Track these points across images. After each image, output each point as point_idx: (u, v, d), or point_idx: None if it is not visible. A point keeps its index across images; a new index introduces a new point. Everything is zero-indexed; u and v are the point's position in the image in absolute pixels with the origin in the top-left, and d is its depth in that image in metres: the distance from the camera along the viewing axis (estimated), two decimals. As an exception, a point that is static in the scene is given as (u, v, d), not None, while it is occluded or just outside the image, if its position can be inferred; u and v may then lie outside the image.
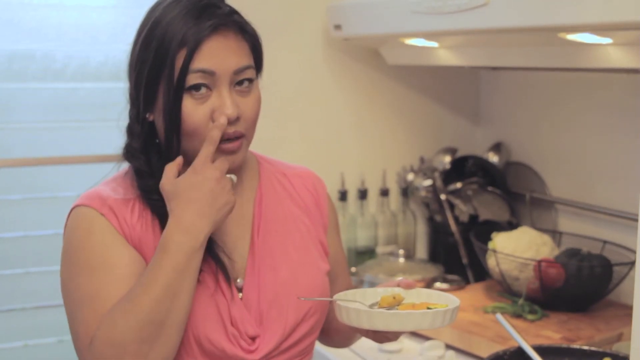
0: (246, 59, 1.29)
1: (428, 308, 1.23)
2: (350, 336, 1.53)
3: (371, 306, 1.28)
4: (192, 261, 1.21)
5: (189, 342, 1.27)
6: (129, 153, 1.33)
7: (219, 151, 1.27)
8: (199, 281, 1.26)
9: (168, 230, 1.21)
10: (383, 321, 1.19)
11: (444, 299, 1.27)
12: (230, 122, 1.26)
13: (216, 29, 1.25)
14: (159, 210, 1.30)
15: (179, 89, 1.24)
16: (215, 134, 1.24)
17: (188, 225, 1.20)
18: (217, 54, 1.25)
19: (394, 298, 1.27)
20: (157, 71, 1.25)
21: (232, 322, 1.30)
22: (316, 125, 2.38)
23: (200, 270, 1.26)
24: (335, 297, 1.28)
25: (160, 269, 1.19)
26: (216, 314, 1.28)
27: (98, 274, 1.24)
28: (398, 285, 1.32)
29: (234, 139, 1.28)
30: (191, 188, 1.22)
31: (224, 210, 1.24)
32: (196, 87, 1.24)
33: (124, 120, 1.34)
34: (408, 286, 1.31)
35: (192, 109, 1.25)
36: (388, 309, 1.25)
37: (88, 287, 1.24)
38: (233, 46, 1.27)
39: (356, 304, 1.26)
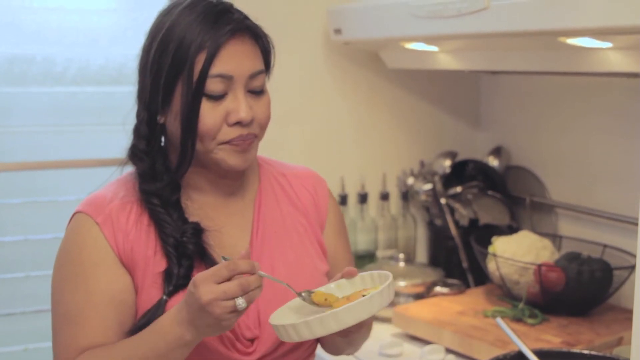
0: (260, 64, 1.33)
1: (363, 296, 1.21)
2: (353, 341, 1.50)
3: (303, 292, 1.27)
4: (173, 351, 1.21)
5: None
6: (134, 154, 1.35)
7: (231, 149, 1.30)
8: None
9: (168, 313, 1.22)
10: (321, 326, 1.16)
11: (384, 278, 1.25)
12: (245, 125, 1.29)
13: (234, 33, 1.28)
14: (155, 215, 1.32)
15: (198, 92, 1.26)
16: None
17: (179, 322, 1.19)
18: (235, 58, 1.28)
19: (326, 300, 1.26)
20: (175, 74, 1.27)
21: None
22: (316, 129, 2.38)
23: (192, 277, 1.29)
24: (273, 316, 1.25)
25: (143, 342, 1.23)
26: None
27: (79, 294, 1.29)
28: (342, 277, 1.31)
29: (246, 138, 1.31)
30: (191, 297, 1.17)
31: (207, 331, 1.19)
32: (214, 90, 1.27)
33: (131, 123, 1.36)
34: (350, 274, 1.30)
35: (208, 111, 1.27)
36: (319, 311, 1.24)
37: (70, 306, 1.29)
38: (248, 51, 1.30)
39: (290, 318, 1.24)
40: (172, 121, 1.30)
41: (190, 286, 1.16)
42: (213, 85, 1.27)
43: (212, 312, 1.14)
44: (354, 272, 1.30)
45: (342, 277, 1.31)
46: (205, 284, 1.14)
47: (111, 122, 2.18)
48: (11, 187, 2.22)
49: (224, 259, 1.18)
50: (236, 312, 1.15)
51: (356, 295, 1.24)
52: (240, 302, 1.14)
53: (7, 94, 2.19)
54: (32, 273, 2.23)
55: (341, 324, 1.16)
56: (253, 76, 1.30)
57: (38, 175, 2.24)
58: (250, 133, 1.30)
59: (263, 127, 1.34)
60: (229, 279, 1.15)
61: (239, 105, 1.28)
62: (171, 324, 1.20)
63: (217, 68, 1.26)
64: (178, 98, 1.28)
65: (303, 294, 1.27)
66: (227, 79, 1.27)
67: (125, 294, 1.30)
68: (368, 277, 1.30)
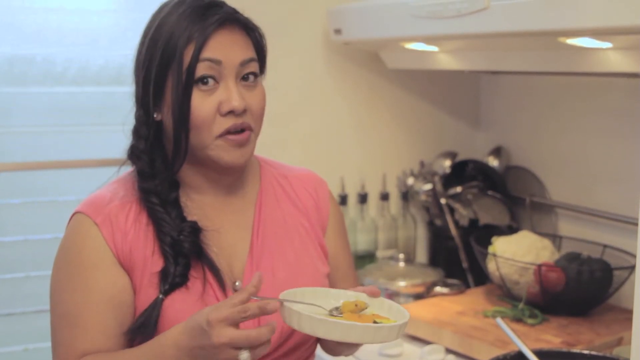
0: (251, 52, 1.32)
1: (374, 322, 1.21)
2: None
3: (333, 310, 1.25)
4: None
5: None
6: (133, 154, 1.35)
7: (228, 143, 1.29)
8: (187, 287, 1.29)
9: (172, 333, 1.21)
10: (323, 328, 1.16)
11: (400, 316, 1.24)
12: (238, 114, 1.29)
13: (222, 23, 1.29)
14: (154, 214, 1.32)
15: (188, 82, 1.26)
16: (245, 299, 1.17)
17: (179, 346, 1.19)
18: (224, 46, 1.28)
19: (356, 305, 1.24)
20: (166, 67, 1.28)
21: None
22: (316, 129, 2.38)
23: (191, 277, 1.29)
24: (285, 293, 1.24)
25: (142, 356, 1.23)
26: None
27: (78, 295, 1.29)
28: (364, 292, 1.29)
29: (242, 131, 1.30)
30: (203, 334, 1.16)
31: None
32: (204, 79, 1.27)
33: (130, 123, 1.36)
34: (372, 294, 1.29)
35: (200, 102, 1.27)
36: (333, 316, 1.23)
37: (69, 306, 1.29)
38: (238, 40, 1.31)
39: (301, 306, 1.22)
40: (166, 115, 1.31)
41: (203, 323, 1.15)
42: (202, 71, 1.26)
43: (218, 355, 1.15)
44: (377, 294, 1.29)
45: (364, 292, 1.29)
46: (220, 327, 1.13)
47: (111, 122, 2.18)
48: (11, 187, 2.22)
49: (235, 288, 1.17)
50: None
51: (368, 317, 1.23)
52: (244, 356, 1.14)
53: (7, 94, 2.19)
54: (32, 273, 2.23)
55: (343, 336, 1.16)
56: (244, 64, 1.30)
57: (38, 176, 2.24)
58: (245, 122, 1.30)
59: (257, 119, 1.33)
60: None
61: (231, 94, 1.28)
62: (172, 344, 1.20)
63: (205, 54, 1.27)
64: (169, 91, 1.28)
65: (333, 311, 1.25)
66: (216, 63, 1.27)
67: (124, 295, 1.30)
68: (387, 305, 1.28)
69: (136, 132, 1.35)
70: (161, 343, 1.22)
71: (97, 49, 2.25)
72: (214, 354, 1.15)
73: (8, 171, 2.19)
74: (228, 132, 1.29)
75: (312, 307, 1.24)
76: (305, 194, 1.48)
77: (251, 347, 1.15)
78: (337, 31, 2.19)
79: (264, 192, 1.44)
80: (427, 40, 2.02)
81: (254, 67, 1.32)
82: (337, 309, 1.25)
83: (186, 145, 1.30)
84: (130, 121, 1.36)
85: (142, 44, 1.32)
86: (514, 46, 1.89)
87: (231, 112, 1.28)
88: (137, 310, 1.30)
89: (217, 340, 1.13)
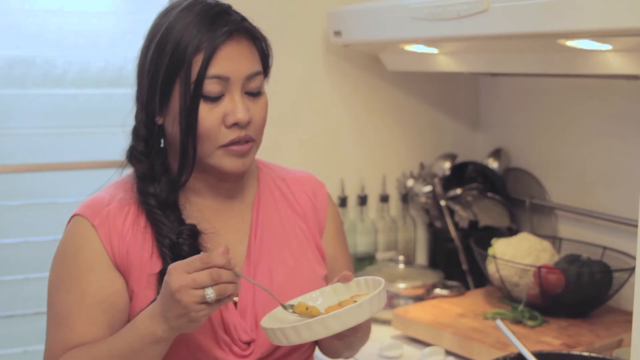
0: (257, 65, 1.33)
1: (354, 301, 1.21)
2: (351, 344, 1.50)
3: (289, 307, 1.26)
4: (147, 347, 1.20)
5: (179, 349, 1.29)
6: (132, 156, 1.35)
7: (230, 153, 1.30)
8: None
9: (145, 309, 1.21)
10: (309, 332, 1.16)
11: (377, 284, 1.25)
12: (242, 126, 1.29)
13: (231, 35, 1.28)
14: (152, 217, 1.32)
15: (196, 94, 1.26)
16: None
17: (152, 315, 1.19)
18: (231, 60, 1.28)
19: (307, 309, 1.25)
20: (173, 75, 1.27)
21: (225, 329, 1.31)
22: (316, 131, 2.38)
23: None
24: (264, 320, 1.24)
25: (121, 339, 1.22)
26: (206, 322, 1.30)
27: (71, 297, 1.29)
28: (338, 281, 1.31)
29: (244, 142, 1.31)
30: (164, 286, 1.16)
31: (177, 324, 1.17)
32: (211, 92, 1.27)
33: (130, 124, 1.36)
34: (345, 279, 1.29)
35: (206, 113, 1.28)
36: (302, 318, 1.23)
37: (62, 308, 1.29)
38: (246, 52, 1.30)
39: (293, 318, 1.23)
40: (171, 123, 1.30)
41: (165, 275, 1.16)
42: (210, 87, 1.27)
43: (181, 300, 1.13)
44: (349, 277, 1.30)
45: (338, 281, 1.31)
46: (177, 272, 1.14)
47: (111, 124, 2.18)
48: (11, 188, 2.22)
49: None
50: (206, 303, 1.14)
51: (348, 301, 1.24)
52: (210, 292, 1.13)
53: (7, 96, 2.19)
54: (31, 275, 2.23)
55: (329, 330, 1.16)
56: (250, 78, 1.30)
57: (38, 177, 2.24)
58: (248, 135, 1.30)
59: (259, 130, 1.34)
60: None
61: (236, 106, 1.28)
62: (146, 318, 1.19)
63: (213, 69, 1.26)
64: (176, 100, 1.28)
65: (286, 305, 1.26)
66: (224, 80, 1.27)
67: (116, 298, 1.30)
68: (363, 282, 1.29)
69: (135, 133, 1.35)
70: (137, 319, 1.21)
71: (96, 51, 2.26)
72: (177, 305, 1.13)
73: (8, 173, 2.19)
74: (231, 143, 1.29)
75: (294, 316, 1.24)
76: (303, 196, 1.48)
77: (215, 283, 1.13)
78: (337, 33, 2.19)
79: (261, 195, 1.44)
80: (427, 42, 2.03)
81: (258, 79, 1.32)
82: (291, 304, 1.26)
83: (194, 155, 1.30)
84: (130, 122, 1.36)
85: (147, 47, 1.31)
86: (513, 48, 1.90)
87: (236, 124, 1.29)
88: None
89: (175, 285, 1.12)
